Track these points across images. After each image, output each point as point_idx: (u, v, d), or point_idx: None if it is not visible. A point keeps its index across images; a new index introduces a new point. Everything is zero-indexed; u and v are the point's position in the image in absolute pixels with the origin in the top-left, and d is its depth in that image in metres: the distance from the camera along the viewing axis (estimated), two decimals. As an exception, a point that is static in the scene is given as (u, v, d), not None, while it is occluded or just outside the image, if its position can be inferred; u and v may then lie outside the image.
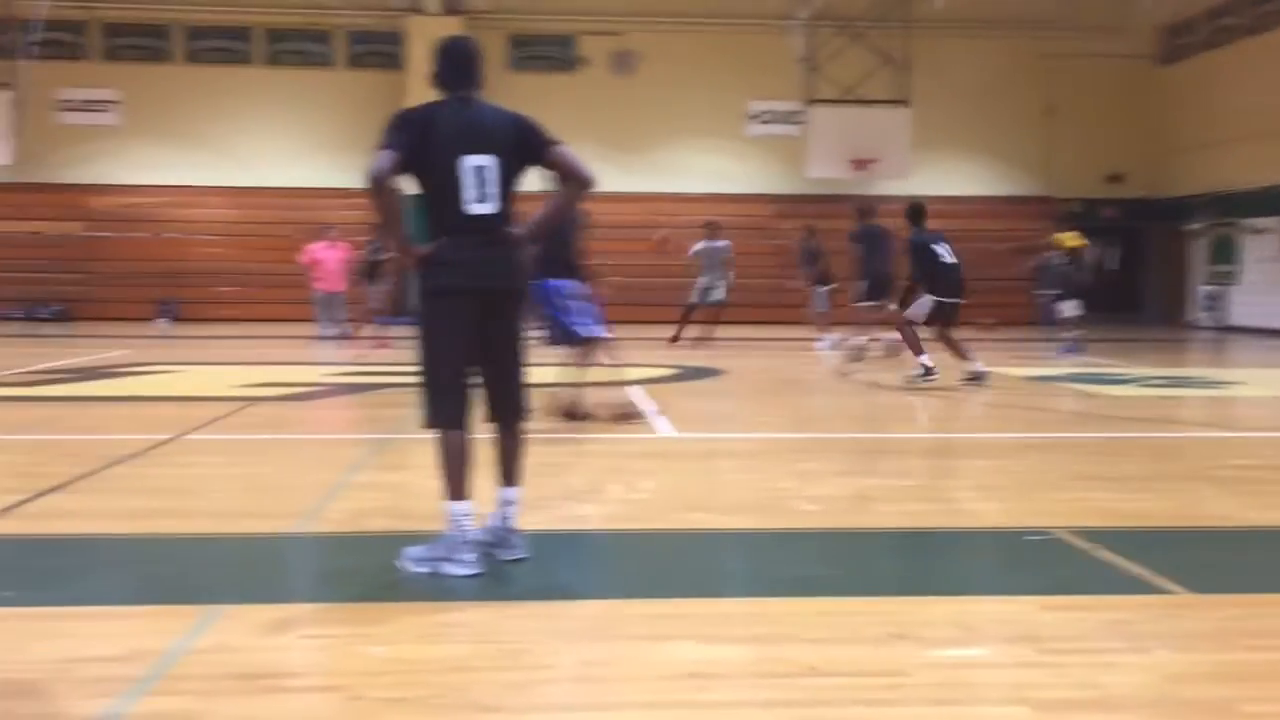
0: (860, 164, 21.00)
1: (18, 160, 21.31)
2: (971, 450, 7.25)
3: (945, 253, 10.80)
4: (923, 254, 10.82)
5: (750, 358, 14.27)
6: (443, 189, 4.12)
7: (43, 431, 7.88)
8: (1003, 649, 3.45)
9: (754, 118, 23.98)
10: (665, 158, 23.47)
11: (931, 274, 10.80)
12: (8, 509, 5.13)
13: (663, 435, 7.75)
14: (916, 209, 11.15)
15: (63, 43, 22.58)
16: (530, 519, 4.55)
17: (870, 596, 3.93)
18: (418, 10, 21.96)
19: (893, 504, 5.52)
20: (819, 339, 15.63)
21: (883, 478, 6.39)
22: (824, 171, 21.79)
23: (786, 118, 23.55)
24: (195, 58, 23.16)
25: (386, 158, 3.99)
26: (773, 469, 6.60)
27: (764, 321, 21.29)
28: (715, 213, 23.69)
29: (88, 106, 22.89)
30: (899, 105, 20.78)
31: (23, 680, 3.03)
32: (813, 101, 21.44)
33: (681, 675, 3.16)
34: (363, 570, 4.27)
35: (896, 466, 6.88)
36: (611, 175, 20.50)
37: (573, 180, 4.25)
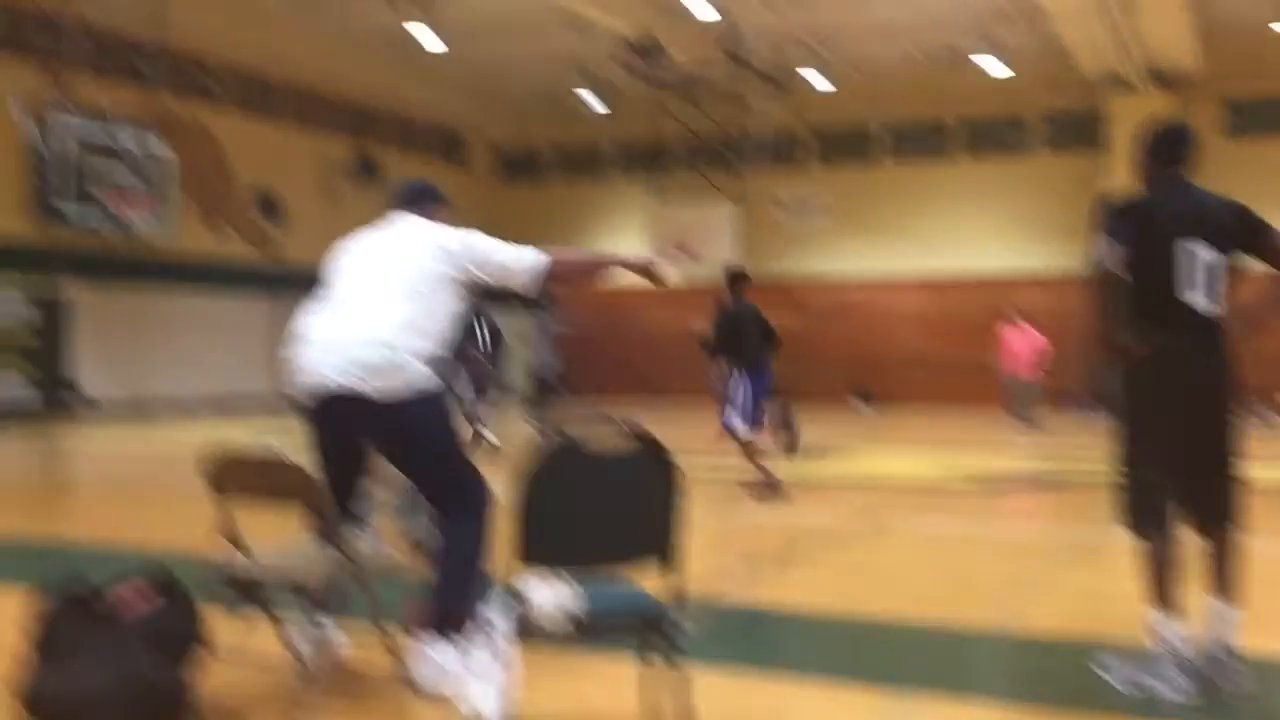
0: None
1: (745, 259, 23.98)
2: None
3: None
4: None
5: None
6: (1156, 277, 3.91)
7: (764, 510, 8.66)
8: None
9: None
10: None
11: None
12: (731, 580, 5.71)
13: None
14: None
15: (782, 153, 25.15)
16: (1257, 642, 4.05)
17: None
18: (1122, 85, 21.07)
19: None
20: None
21: None
22: None
23: None
24: (898, 156, 24.48)
25: (1109, 245, 3.90)
26: None
27: None
28: None
29: (801, 208, 25.18)
30: None
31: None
32: None
33: None
34: (1060, 674, 4.10)
35: None
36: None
37: None
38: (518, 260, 4.04)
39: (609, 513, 2.88)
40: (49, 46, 15.57)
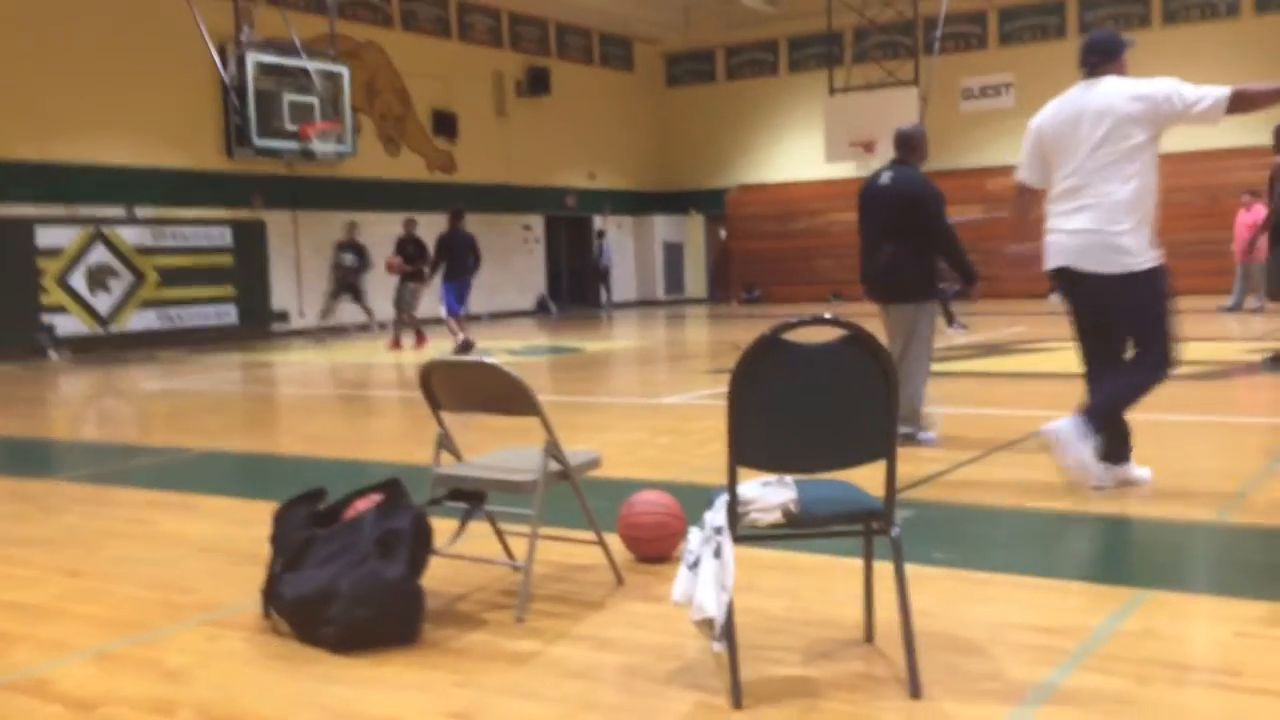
0: None
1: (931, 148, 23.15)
2: None
3: None
4: None
5: None
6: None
7: (959, 405, 8.45)
8: None
9: None
10: None
11: None
12: (932, 477, 5.60)
13: None
14: None
15: (964, 35, 24.04)
16: None
17: None
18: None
19: None
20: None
21: None
22: None
23: None
24: (1089, 28, 23.06)
25: None
26: None
27: None
28: None
29: (984, 93, 24.06)
30: None
31: (961, 637, 3.27)
32: None
33: None
34: (1298, 569, 3.89)
35: None
36: None
37: None
38: (1203, 95, 4.63)
39: (821, 408, 2.82)
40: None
